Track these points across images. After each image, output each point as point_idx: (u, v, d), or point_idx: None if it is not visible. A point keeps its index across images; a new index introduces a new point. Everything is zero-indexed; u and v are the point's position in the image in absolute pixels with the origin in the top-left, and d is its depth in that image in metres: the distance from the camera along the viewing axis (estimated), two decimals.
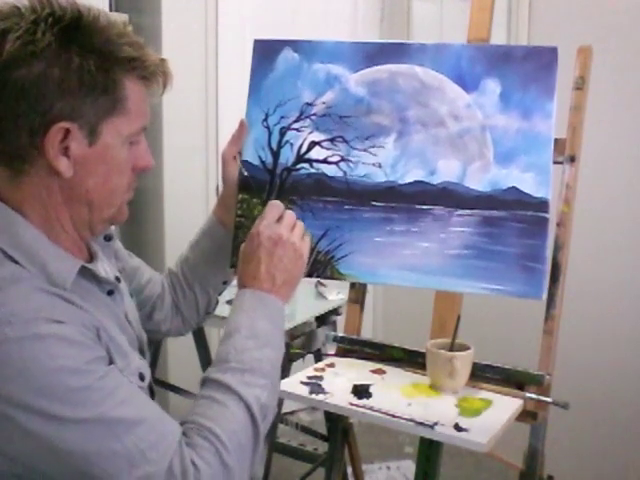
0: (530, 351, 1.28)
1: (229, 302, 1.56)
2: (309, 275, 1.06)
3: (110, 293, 0.90)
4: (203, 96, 2.64)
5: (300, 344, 1.86)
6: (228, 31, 2.66)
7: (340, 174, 1.07)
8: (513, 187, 1.02)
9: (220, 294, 1.17)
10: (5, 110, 0.75)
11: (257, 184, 1.09)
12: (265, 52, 1.11)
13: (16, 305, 0.73)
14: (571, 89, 1.26)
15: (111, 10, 2.38)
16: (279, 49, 1.11)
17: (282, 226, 0.95)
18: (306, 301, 2.10)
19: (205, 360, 2.26)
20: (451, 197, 1.03)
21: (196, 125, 2.66)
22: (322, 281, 2.17)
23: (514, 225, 1.01)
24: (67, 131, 0.77)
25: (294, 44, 1.11)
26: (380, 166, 1.07)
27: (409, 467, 2.55)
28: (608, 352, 2.23)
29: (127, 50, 0.79)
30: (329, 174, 1.08)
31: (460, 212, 1.03)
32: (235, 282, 1.00)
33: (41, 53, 0.74)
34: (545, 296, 1.03)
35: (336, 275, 1.06)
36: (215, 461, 0.77)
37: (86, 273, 0.85)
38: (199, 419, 0.80)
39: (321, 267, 1.06)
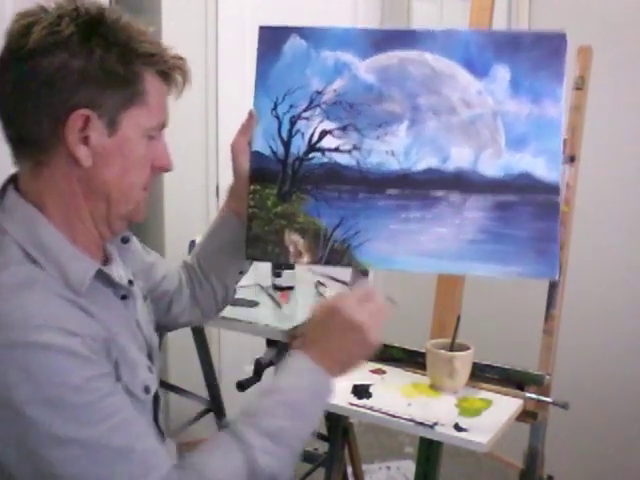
0: (530, 351, 1.28)
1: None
2: (326, 264, 1.06)
3: (124, 297, 0.90)
4: (203, 96, 2.64)
5: (300, 344, 1.86)
6: (228, 31, 2.66)
7: (353, 162, 1.06)
8: (525, 172, 1.03)
9: (237, 283, 1.17)
10: (28, 98, 0.78)
11: (269, 175, 1.07)
12: (271, 39, 1.10)
13: (29, 310, 0.73)
14: (571, 89, 1.26)
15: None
16: (286, 36, 1.09)
17: (366, 312, 0.91)
18: (306, 301, 2.10)
19: (205, 360, 2.26)
20: (465, 183, 1.04)
21: (196, 125, 2.66)
22: (322, 281, 2.16)
23: (527, 209, 1.02)
24: (87, 119, 0.78)
25: (301, 31, 1.09)
26: (393, 154, 1.06)
27: (409, 467, 2.55)
28: (608, 352, 2.23)
29: (147, 46, 0.82)
30: (342, 163, 1.07)
31: (474, 198, 1.04)
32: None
33: (64, 43, 0.77)
34: (558, 276, 1.04)
35: (353, 263, 1.05)
36: None
37: (101, 276, 0.85)
38: (198, 465, 0.80)
39: (338, 256, 1.05)
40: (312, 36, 1.08)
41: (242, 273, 1.16)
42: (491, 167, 1.04)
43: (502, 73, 1.05)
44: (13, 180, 0.85)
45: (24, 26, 0.77)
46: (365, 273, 1.07)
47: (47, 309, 0.74)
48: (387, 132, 1.06)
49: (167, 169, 0.91)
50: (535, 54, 1.04)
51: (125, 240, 0.97)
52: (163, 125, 0.88)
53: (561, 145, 1.04)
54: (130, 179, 0.85)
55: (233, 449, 0.81)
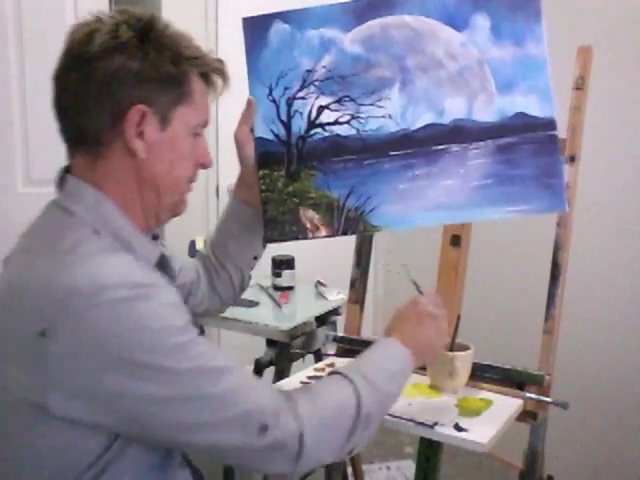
0: (530, 351, 1.28)
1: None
2: (344, 233, 1.10)
3: None
4: None
5: (300, 344, 1.86)
6: (228, 32, 2.66)
7: (353, 132, 1.10)
8: (519, 112, 1.06)
9: (252, 269, 1.23)
10: (90, 97, 0.86)
11: (275, 157, 1.12)
12: (256, 28, 1.13)
13: (124, 270, 0.82)
14: (571, 89, 1.26)
15: (111, 10, 2.38)
16: (269, 23, 1.12)
17: (439, 308, 1.07)
18: (306, 301, 2.10)
19: None
20: (463, 133, 1.07)
21: None
22: (322, 281, 2.17)
23: (527, 147, 1.05)
24: (143, 115, 0.86)
25: (283, 15, 1.12)
26: (390, 117, 1.09)
27: (409, 467, 2.55)
28: (608, 352, 2.23)
29: (192, 50, 0.92)
30: (343, 134, 1.10)
31: (474, 145, 1.07)
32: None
33: (124, 47, 0.85)
34: (568, 210, 1.09)
35: (369, 228, 1.09)
36: (310, 411, 0.87)
37: (158, 260, 0.95)
38: (308, 386, 0.94)
39: (353, 224, 1.10)
40: (294, 19, 1.12)
41: (256, 258, 1.22)
42: (486, 113, 1.07)
43: (482, 22, 1.08)
44: (67, 172, 0.92)
45: (86, 33, 0.86)
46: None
47: (137, 268, 0.84)
48: (381, 97, 1.10)
49: (208, 166, 1.00)
50: None
51: (155, 237, 1.03)
52: (205, 124, 0.97)
53: (549, 81, 1.05)
54: (178, 171, 0.93)
55: (344, 384, 0.92)
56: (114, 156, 0.88)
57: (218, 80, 0.96)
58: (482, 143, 1.06)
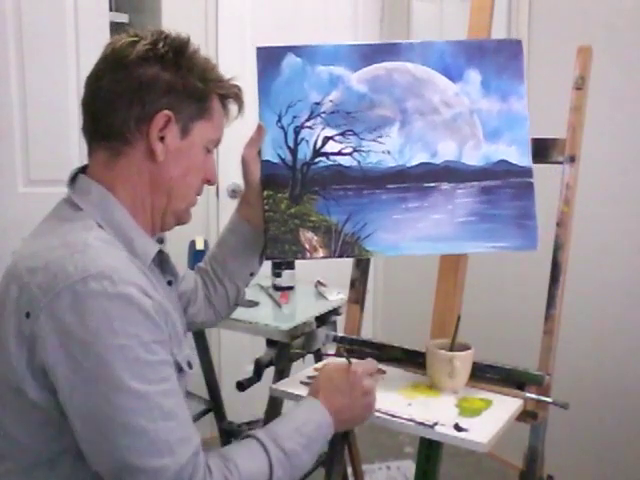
0: (530, 351, 1.28)
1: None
2: (340, 256, 1.17)
3: (169, 283, 1.02)
4: None
5: (300, 344, 1.86)
6: (228, 32, 2.66)
7: (355, 163, 1.19)
8: (502, 160, 1.19)
9: (247, 285, 1.27)
10: (124, 98, 0.92)
11: (280, 180, 1.18)
12: (269, 58, 1.19)
13: (117, 266, 0.83)
14: (571, 89, 1.26)
15: (111, 10, 2.38)
16: (282, 55, 1.19)
17: (372, 382, 1.08)
18: (306, 301, 2.10)
19: (205, 360, 2.26)
20: (452, 173, 1.19)
21: None
22: (322, 281, 2.17)
23: (507, 191, 1.18)
24: (168, 120, 0.93)
25: (296, 49, 1.19)
26: (389, 153, 1.19)
27: (409, 467, 2.55)
28: (608, 352, 2.23)
29: (217, 73, 1.01)
30: (345, 164, 1.19)
31: (462, 185, 1.18)
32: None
33: (159, 58, 0.94)
34: (539, 247, 1.17)
35: (363, 253, 1.17)
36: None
37: (158, 258, 0.98)
38: (226, 453, 0.90)
39: (349, 247, 1.17)
40: (306, 53, 1.20)
41: (252, 275, 1.26)
42: (473, 157, 1.19)
43: (474, 76, 1.20)
44: (81, 171, 0.97)
45: (129, 42, 0.94)
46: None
47: (130, 269, 0.85)
48: (382, 134, 1.19)
49: (213, 182, 1.07)
50: (499, 59, 1.20)
51: (160, 241, 1.06)
52: (218, 142, 1.04)
53: (528, 135, 1.19)
54: (189, 180, 1.00)
55: (259, 453, 0.91)
56: (134, 155, 0.94)
57: (233, 107, 1.04)
58: (468, 184, 1.18)
